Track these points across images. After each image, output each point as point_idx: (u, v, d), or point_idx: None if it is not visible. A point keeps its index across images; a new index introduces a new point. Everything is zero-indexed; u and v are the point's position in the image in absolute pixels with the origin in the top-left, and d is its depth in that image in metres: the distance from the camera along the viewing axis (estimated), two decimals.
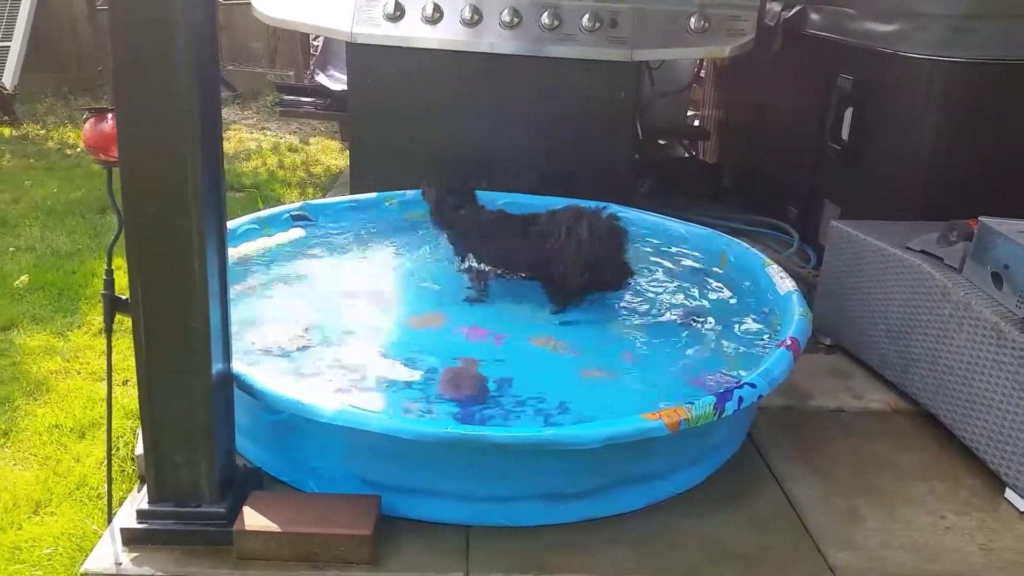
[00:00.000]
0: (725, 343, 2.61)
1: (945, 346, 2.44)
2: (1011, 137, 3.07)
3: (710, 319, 2.77)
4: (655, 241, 3.32)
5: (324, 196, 4.92)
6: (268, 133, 7.44)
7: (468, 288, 2.90)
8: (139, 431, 1.93)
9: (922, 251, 2.63)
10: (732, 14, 3.59)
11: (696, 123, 5.91)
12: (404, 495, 2.00)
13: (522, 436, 1.93)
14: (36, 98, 7.69)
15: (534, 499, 2.03)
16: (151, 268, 1.78)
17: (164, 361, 1.83)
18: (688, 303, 2.90)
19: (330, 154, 6.75)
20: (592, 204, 2.93)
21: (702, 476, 2.22)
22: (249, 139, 7.14)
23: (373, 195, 3.57)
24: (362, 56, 3.69)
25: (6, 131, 6.83)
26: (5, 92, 6.98)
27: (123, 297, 1.95)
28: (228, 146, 6.62)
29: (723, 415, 2.00)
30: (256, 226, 3.16)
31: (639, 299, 2.88)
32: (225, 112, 6.97)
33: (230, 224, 2.76)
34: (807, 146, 3.82)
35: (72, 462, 2.62)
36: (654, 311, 2.83)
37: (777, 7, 3.99)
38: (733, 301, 2.91)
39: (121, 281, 1.88)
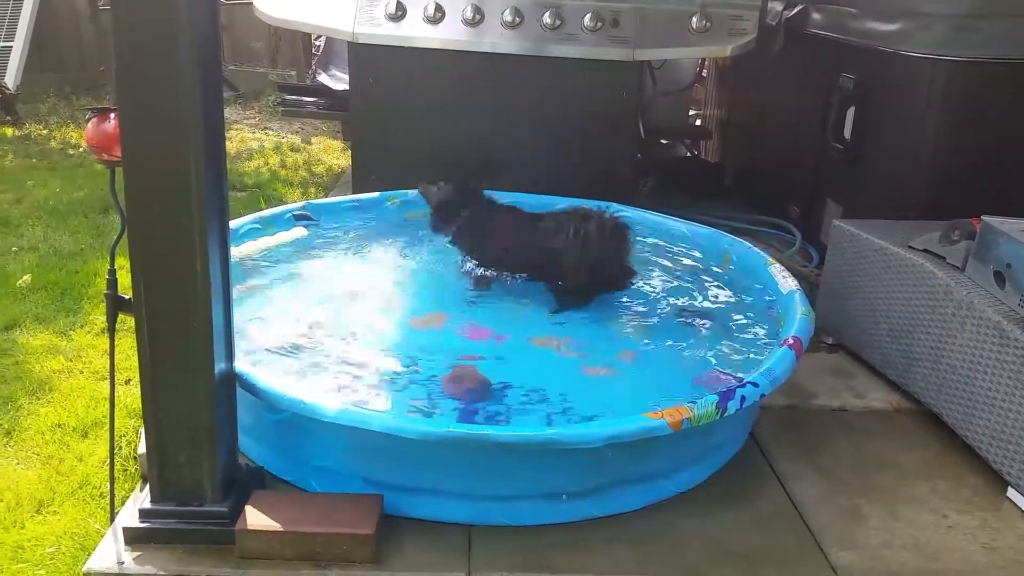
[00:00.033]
0: (727, 342, 2.61)
1: (947, 345, 2.44)
2: (1013, 136, 3.07)
3: (712, 318, 2.77)
4: (657, 240, 3.32)
5: (326, 196, 4.93)
6: (270, 133, 7.45)
7: (470, 289, 2.91)
8: (141, 430, 1.93)
9: (924, 250, 2.63)
10: (734, 13, 3.59)
11: (698, 122, 5.91)
12: (406, 494, 2.00)
13: (524, 435, 1.93)
14: (38, 98, 7.69)
15: (536, 498, 2.03)
16: (154, 268, 1.79)
17: (167, 360, 1.83)
18: (690, 302, 2.90)
19: (332, 154, 6.76)
20: (594, 204, 2.92)
21: (704, 475, 2.22)
22: (251, 139, 7.15)
23: (375, 195, 3.57)
24: (364, 56, 3.69)
25: (9, 131, 6.84)
26: (8, 92, 6.99)
27: (126, 297, 1.95)
28: (230, 146, 6.62)
29: (725, 414, 2.00)
30: (258, 226, 3.16)
31: (641, 298, 2.88)
32: (227, 112, 6.98)
33: (232, 224, 2.77)
34: (809, 145, 3.82)
35: (75, 461, 2.63)
36: (656, 310, 2.83)
37: (779, 6, 3.99)
38: (735, 300, 2.91)
39: (124, 281, 1.88)
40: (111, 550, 1.89)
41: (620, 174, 3.87)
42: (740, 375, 2.29)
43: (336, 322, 2.62)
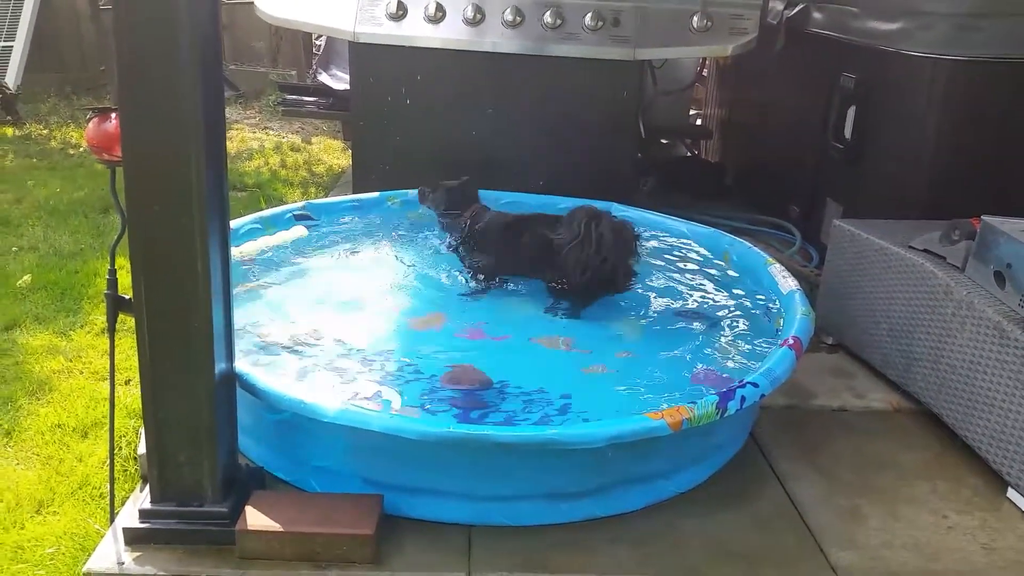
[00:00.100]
0: (727, 342, 2.61)
1: (947, 345, 2.44)
2: (1014, 136, 3.07)
3: (712, 318, 2.77)
4: (657, 240, 3.32)
5: (327, 195, 4.93)
6: (271, 132, 7.45)
7: (470, 288, 2.91)
8: (142, 430, 1.93)
9: (925, 250, 2.63)
10: (735, 13, 3.59)
11: (698, 122, 5.91)
12: (406, 494, 2.00)
13: (525, 435, 1.92)
14: (39, 98, 7.70)
15: (536, 498, 2.03)
16: (154, 268, 1.79)
17: (167, 361, 1.83)
18: (690, 302, 2.90)
19: (332, 153, 6.76)
20: (594, 204, 2.92)
21: (704, 475, 2.22)
22: (252, 138, 7.15)
23: (375, 194, 3.57)
24: (365, 55, 3.69)
25: (9, 131, 6.84)
26: (8, 92, 7.00)
27: (126, 297, 1.95)
28: (231, 146, 6.62)
29: (725, 414, 2.00)
30: (259, 225, 3.16)
31: (641, 298, 2.88)
32: (228, 112, 6.94)
33: (233, 224, 2.77)
34: (810, 145, 3.82)
35: (74, 461, 2.63)
36: (656, 310, 2.83)
37: (780, 6, 3.99)
38: (735, 300, 2.91)
39: (124, 281, 1.88)
40: (111, 550, 1.90)
41: (620, 173, 3.87)
42: (740, 375, 2.29)
43: (336, 322, 2.62)
